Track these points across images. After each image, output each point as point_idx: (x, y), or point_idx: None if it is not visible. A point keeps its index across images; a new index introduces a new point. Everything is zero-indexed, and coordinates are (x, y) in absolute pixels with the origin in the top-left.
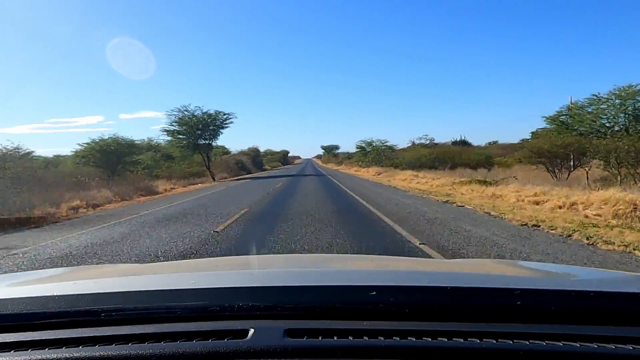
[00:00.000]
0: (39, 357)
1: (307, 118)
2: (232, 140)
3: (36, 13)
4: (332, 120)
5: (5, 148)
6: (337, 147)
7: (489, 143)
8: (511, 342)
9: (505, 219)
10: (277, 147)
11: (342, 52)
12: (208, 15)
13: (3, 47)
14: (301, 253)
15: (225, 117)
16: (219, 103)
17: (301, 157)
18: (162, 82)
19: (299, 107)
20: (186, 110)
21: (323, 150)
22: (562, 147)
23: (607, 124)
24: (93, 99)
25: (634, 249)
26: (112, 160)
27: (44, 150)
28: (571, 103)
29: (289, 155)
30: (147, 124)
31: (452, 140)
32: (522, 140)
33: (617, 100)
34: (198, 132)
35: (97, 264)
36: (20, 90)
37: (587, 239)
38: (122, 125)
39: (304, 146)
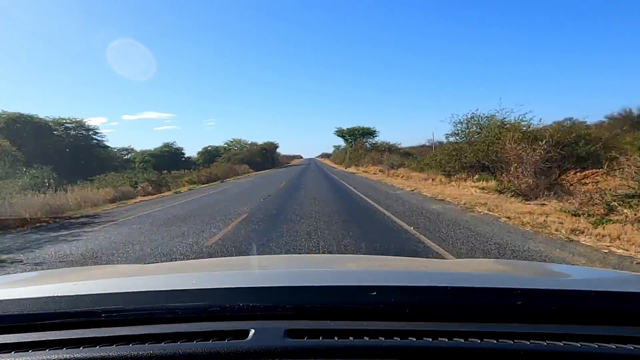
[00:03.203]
0: (40, 357)
1: (311, 117)
2: (229, 135)
3: (37, 13)
4: (334, 119)
5: None
6: (372, 133)
7: None
8: (512, 342)
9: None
10: (287, 149)
11: (345, 47)
12: (208, 13)
13: (6, 48)
14: (301, 254)
15: None
16: (222, 100)
17: (302, 156)
18: (164, 83)
19: (301, 104)
20: None
21: (341, 139)
22: None
23: None
24: (96, 100)
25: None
26: None
27: None
28: None
29: (278, 151)
30: (150, 125)
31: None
32: None
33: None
34: None
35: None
36: (23, 92)
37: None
38: (125, 126)
39: (307, 145)
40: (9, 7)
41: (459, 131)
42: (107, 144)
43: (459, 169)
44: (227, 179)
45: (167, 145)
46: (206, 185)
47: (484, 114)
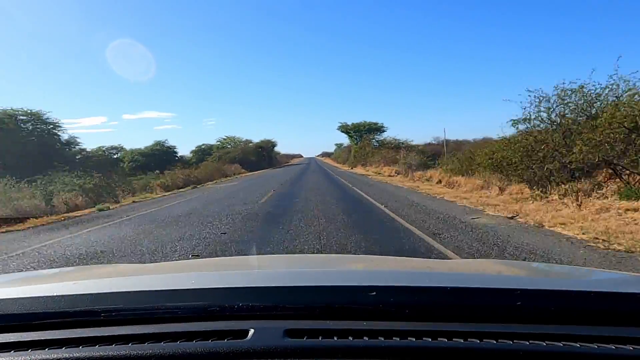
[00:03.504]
0: (39, 357)
1: (311, 117)
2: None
3: (38, 13)
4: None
5: None
6: (380, 129)
7: None
8: (511, 343)
9: None
10: (287, 148)
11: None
12: (208, 14)
13: (5, 47)
14: (301, 254)
15: None
16: (222, 100)
17: (303, 155)
18: (165, 82)
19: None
20: None
21: (345, 136)
22: None
23: None
24: (96, 100)
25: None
26: None
27: None
28: None
29: (277, 150)
30: (151, 124)
31: None
32: None
33: None
34: None
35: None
36: (22, 92)
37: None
38: (126, 125)
39: (307, 144)
40: (9, 7)
41: (540, 113)
42: (79, 141)
43: (556, 174)
44: (208, 183)
45: (158, 143)
46: (173, 192)
47: (592, 84)
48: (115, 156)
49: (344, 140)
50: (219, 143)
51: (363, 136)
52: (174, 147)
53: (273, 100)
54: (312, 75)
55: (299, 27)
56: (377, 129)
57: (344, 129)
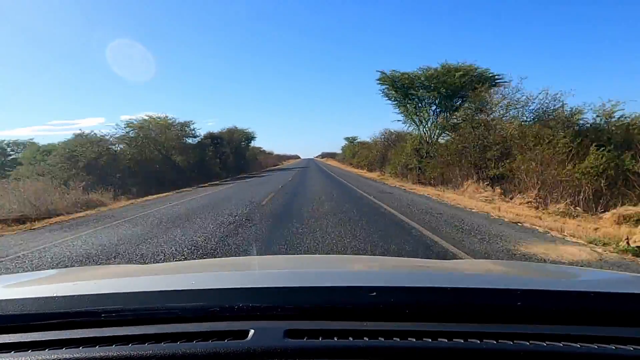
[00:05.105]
0: (40, 357)
1: (312, 120)
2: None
3: (36, 15)
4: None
5: None
6: (492, 79)
7: None
8: (511, 343)
9: None
10: (284, 149)
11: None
12: (205, 17)
13: (3, 49)
14: (301, 254)
15: None
16: (222, 105)
17: (300, 156)
18: (162, 84)
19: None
20: None
21: (390, 100)
22: None
23: None
24: (94, 101)
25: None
26: None
27: None
28: None
29: (261, 149)
30: None
31: None
32: None
33: None
34: None
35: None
36: (20, 93)
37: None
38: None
39: (307, 145)
40: (10, 9)
41: None
42: None
43: None
44: None
45: (84, 136)
46: None
47: None
48: (19, 155)
49: (381, 120)
50: (131, 130)
51: (475, 90)
52: (109, 141)
53: (273, 103)
54: (312, 78)
55: (297, 31)
56: (487, 79)
57: (391, 80)
